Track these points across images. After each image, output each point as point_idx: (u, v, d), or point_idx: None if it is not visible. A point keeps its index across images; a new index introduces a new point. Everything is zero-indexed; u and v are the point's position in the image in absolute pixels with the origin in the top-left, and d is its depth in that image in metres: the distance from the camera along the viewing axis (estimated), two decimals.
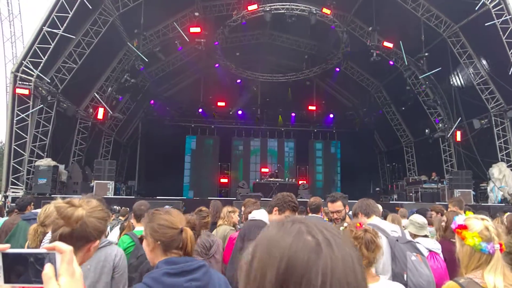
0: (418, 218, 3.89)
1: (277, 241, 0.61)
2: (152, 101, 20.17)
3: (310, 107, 21.64)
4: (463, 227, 1.73)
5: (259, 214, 3.32)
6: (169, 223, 1.60)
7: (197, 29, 14.89)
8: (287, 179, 17.59)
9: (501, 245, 1.69)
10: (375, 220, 2.95)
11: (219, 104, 20.89)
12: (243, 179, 18.91)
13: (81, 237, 1.34)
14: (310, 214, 4.81)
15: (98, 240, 1.40)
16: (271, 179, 17.24)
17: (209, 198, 15.66)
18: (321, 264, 0.56)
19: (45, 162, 12.75)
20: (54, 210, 1.31)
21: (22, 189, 12.39)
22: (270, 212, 3.16)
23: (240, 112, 21.81)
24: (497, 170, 14.34)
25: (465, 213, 5.15)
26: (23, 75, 12.13)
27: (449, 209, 5.14)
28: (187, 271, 1.48)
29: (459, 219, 1.80)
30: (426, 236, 3.73)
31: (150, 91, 19.32)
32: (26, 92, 12.17)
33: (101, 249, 2.21)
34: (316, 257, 0.57)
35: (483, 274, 1.63)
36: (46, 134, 13.18)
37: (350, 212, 7.06)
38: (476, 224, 1.72)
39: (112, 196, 13.43)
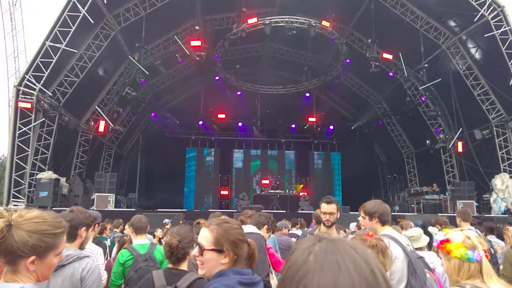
0: (412, 231, 3.88)
1: (296, 254, 0.70)
2: (152, 114, 20.25)
3: (310, 119, 21.70)
4: (445, 241, 1.73)
5: (249, 228, 3.53)
6: (243, 237, 1.61)
7: (198, 43, 15.05)
8: (287, 190, 17.50)
9: (485, 251, 1.69)
10: (389, 230, 2.73)
11: (220, 116, 20.96)
12: (243, 191, 18.80)
13: (9, 252, 1.19)
14: (315, 226, 4.81)
15: (33, 256, 1.23)
16: (271, 191, 17.16)
17: (209, 210, 15.58)
18: (304, 283, 0.63)
19: (47, 175, 12.72)
20: None
21: (23, 202, 12.34)
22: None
23: (240, 124, 21.85)
24: (500, 181, 14.26)
25: (471, 225, 5.09)
26: (26, 89, 12.22)
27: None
28: (254, 283, 1.50)
29: (439, 236, 1.80)
30: (423, 247, 3.73)
31: (150, 103, 19.41)
32: (28, 105, 12.24)
33: (69, 264, 2.11)
34: (305, 275, 0.64)
35: (485, 282, 1.61)
36: (47, 147, 13.20)
37: (353, 225, 6.98)
38: (457, 236, 1.73)
39: (113, 209, 13.35)
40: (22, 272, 1.24)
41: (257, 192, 18.98)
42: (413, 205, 16.39)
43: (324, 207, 3.37)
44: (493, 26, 12.79)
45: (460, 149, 16.00)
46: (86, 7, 12.15)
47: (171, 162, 20.11)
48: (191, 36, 15.77)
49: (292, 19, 15.10)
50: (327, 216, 3.31)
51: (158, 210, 13.81)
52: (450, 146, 16.55)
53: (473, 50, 14.68)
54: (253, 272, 1.58)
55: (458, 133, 15.76)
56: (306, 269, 0.65)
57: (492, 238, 5.42)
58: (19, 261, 1.23)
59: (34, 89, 12.24)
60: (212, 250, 1.55)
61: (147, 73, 15.29)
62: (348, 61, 17.13)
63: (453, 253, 1.67)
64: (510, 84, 13.00)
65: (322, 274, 0.63)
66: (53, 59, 12.29)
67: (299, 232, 6.50)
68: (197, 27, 15.34)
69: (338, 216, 3.36)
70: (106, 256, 5.22)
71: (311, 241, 0.71)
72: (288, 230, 6.22)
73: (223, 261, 1.54)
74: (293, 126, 22.25)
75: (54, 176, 12.88)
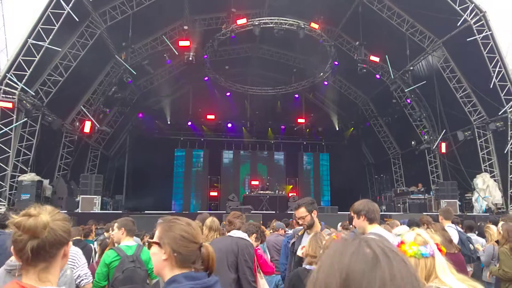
0: (400, 229, 3.92)
1: (339, 254, 0.66)
2: (140, 114, 20.00)
3: (299, 120, 21.82)
4: (400, 243, 1.76)
5: (240, 234, 3.55)
6: (191, 236, 1.55)
7: (186, 43, 14.95)
8: (277, 191, 17.54)
9: (438, 245, 1.72)
10: (377, 229, 2.76)
11: (209, 117, 20.88)
12: (233, 192, 18.74)
13: (54, 244, 1.27)
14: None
15: (70, 241, 1.37)
16: (261, 191, 17.16)
17: (198, 212, 15.46)
18: (379, 274, 0.61)
19: (29, 177, 12.39)
20: (15, 228, 1.24)
21: (4, 205, 11.97)
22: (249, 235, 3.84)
23: (229, 125, 21.81)
24: (481, 181, 14.67)
25: (452, 223, 5.17)
26: (7, 88, 11.85)
27: (439, 219, 5.21)
28: (208, 287, 1.47)
29: (396, 241, 1.83)
30: None
31: (138, 104, 19.17)
32: (9, 105, 11.87)
33: None
34: (374, 268, 0.62)
35: (438, 276, 1.62)
36: (30, 148, 12.85)
37: (339, 225, 7.00)
38: (408, 236, 1.77)
39: (99, 211, 13.10)
40: (57, 263, 1.30)
41: (247, 193, 18.95)
42: (399, 205, 16.67)
43: (295, 213, 3.45)
44: (475, 31, 13.15)
45: (443, 150, 16.38)
46: (70, 5, 11.86)
47: (159, 163, 19.90)
48: (179, 36, 15.65)
49: (281, 21, 15.17)
50: (300, 221, 3.39)
51: (146, 212, 13.63)
52: (434, 147, 16.90)
53: (455, 54, 15.04)
54: (209, 274, 1.53)
55: (442, 134, 16.12)
56: (380, 275, 0.62)
57: (473, 236, 5.55)
58: (58, 251, 1.30)
59: (16, 88, 11.90)
60: (154, 243, 1.53)
61: (135, 73, 15.09)
62: (336, 63, 17.30)
63: (408, 253, 1.69)
64: (491, 86, 13.39)
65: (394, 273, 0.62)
66: (36, 57, 11.94)
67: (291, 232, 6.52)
68: (185, 27, 15.24)
69: (313, 216, 3.32)
70: (91, 260, 5.10)
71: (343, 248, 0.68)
72: (285, 231, 6.24)
73: (163, 257, 1.50)
74: (283, 127, 22.34)
75: (37, 178, 12.55)
